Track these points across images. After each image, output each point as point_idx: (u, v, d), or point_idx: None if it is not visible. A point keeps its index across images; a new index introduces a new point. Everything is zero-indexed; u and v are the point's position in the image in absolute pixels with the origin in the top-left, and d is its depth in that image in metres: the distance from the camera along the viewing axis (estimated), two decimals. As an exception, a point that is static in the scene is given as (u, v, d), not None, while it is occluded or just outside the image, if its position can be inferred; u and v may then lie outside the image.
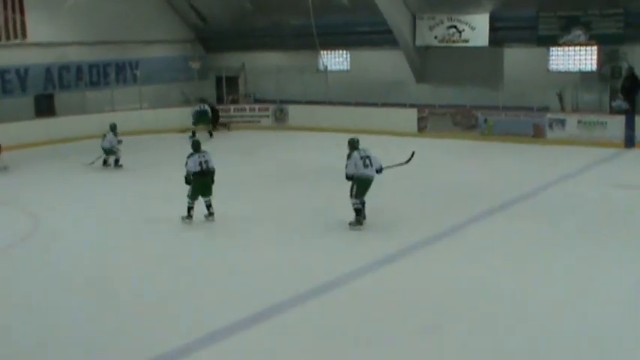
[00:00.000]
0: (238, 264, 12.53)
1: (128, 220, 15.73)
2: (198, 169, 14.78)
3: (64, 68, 29.49)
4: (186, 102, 31.49)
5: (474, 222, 14.86)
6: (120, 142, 21.65)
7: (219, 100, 32.01)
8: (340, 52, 31.12)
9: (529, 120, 24.72)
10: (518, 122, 24.88)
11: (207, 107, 27.95)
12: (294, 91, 29.59)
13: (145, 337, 9.61)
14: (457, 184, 18.49)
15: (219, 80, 32.67)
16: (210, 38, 34.46)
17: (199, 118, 27.56)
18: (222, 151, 24.32)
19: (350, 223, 14.43)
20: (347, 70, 30.91)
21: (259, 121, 29.50)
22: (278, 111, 29.35)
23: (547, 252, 12.77)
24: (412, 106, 26.84)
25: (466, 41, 26.47)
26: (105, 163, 21.75)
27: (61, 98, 28.87)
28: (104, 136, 21.68)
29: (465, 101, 25.91)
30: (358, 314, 10.18)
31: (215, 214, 15.14)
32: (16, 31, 27.37)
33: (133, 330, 9.87)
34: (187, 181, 14.94)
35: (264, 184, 19.05)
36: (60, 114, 27.94)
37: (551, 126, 24.32)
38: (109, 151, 21.58)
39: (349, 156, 14.54)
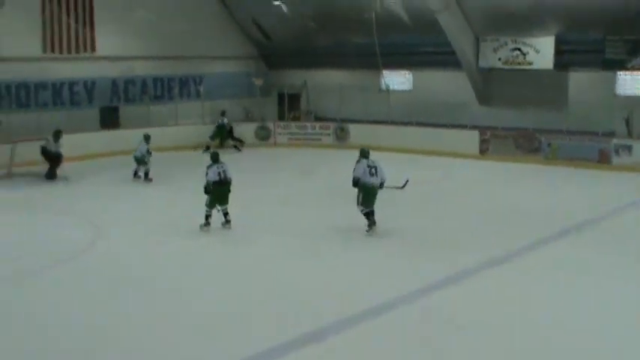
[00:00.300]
0: (291, 282, 12.49)
1: (180, 234, 15.82)
2: (217, 178, 15.51)
3: (129, 82, 30.06)
4: (248, 118, 31.74)
5: (535, 247, 14.61)
6: (150, 153, 21.76)
7: (281, 117, 32.17)
8: (403, 71, 31.01)
9: (594, 145, 24.27)
10: (582, 147, 24.45)
11: (225, 121, 28.43)
12: (355, 110, 29.58)
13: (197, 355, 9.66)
14: (518, 207, 18.21)
15: (280, 97, 32.89)
16: (273, 55, 34.72)
17: (217, 131, 28.26)
18: (283, 168, 24.58)
19: (367, 231, 15.17)
20: (409, 90, 30.79)
21: (320, 139, 29.54)
22: (339, 129, 29.35)
23: (611, 280, 12.47)
24: (474, 127, 26.59)
25: (530, 64, 26.15)
26: (135, 174, 21.94)
27: (125, 111, 29.37)
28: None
29: (528, 124, 25.56)
30: (419, 337, 10.08)
31: (244, 224, 15.25)
32: (86, 44, 28.05)
33: (195, 343, 9.93)
34: (207, 191, 15.59)
35: (319, 202, 19.03)
36: (124, 126, 28.38)
37: (617, 152, 23.83)
38: (139, 161, 21.79)
39: (358, 161, 15.39)
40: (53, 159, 22.16)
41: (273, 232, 15.85)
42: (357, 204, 15.32)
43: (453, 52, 27.11)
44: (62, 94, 27.95)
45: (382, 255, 14.17)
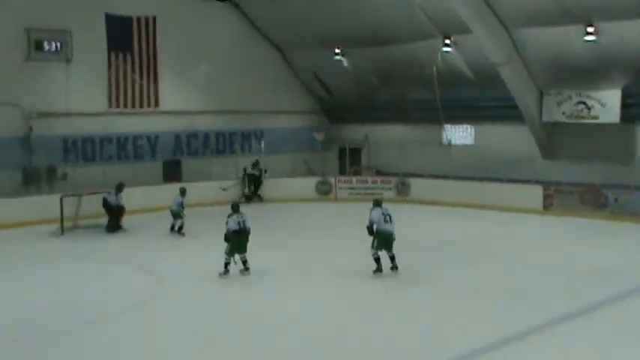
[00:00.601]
0: (362, 337, 12.33)
1: (235, 283, 15.83)
2: (236, 227, 16.08)
3: (192, 136, 30.53)
4: (309, 173, 31.82)
5: (602, 306, 14.13)
6: (183, 207, 21.77)
7: (342, 171, 32.16)
8: (464, 126, 30.82)
9: (663, 200, 23.61)
10: (650, 202, 23.80)
11: (254, 171, 28.79)
12: (416, 165, 29.40)
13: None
14: (584, 264, 17.69)
15: (342, 152, 32.92)
16: (335, 110, 34.93)
17: (250, 179, 28.85)
18: (342, 221, 24.45)
19: (374, 271, 16.24)
20: (471, 145, 30.53)
21: (381, 194, 29.25)
22: (400, 184, 29.16)
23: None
24: (538, 182, 26.10)
25: (596, 118, 25.69)
26: (172, 228, 21.92)
27: (187, 164, 29.75)
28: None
29: (594, 179, 24.96)
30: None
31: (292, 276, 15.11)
32: (150, 99, 28.66)
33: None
34: (226, 239, 16.16)
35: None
36: (186, 179, 28.66)
37: (687, 208, 23.13)
38: (175, 214, 21.84)
39: (373, 209, 16.47)
40: (114, 211, 22.44)
41: (335, 284, 15.65)
42: (372, 247, 16.31)
43: (516, 106, 26.83)
44: (126, 148, 28.54)
45: (445, 309, 13.87)
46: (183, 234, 21.67)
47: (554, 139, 27.39)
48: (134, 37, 28.12)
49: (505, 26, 24.89)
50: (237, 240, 16.10)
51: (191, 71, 29.72)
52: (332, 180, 29.85)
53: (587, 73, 25.10)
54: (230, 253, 16.11)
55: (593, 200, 24.81)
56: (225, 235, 16.14)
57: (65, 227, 22.05)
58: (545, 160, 27.50)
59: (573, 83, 25.84)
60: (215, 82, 30.29)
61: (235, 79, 30.79)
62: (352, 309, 14.07)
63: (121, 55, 27.82)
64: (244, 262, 16.30)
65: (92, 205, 22.77)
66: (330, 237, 21.76)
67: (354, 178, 30.34)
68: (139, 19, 28.23)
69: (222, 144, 31.62)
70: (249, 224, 16.33)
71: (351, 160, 32.40)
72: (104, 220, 22.49)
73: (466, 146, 30.43)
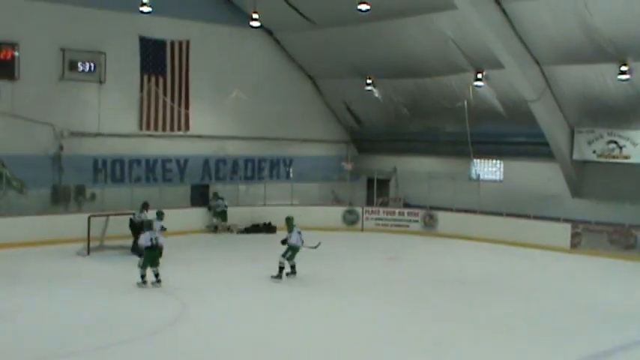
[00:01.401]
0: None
1: (260, 314, 15.75)
2: (149, 244, 17.61)
3: (220, 161, 30.67)
4: (337, 202, 31.78)
5: (629, 349, 13.86)
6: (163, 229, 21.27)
7: (369, 202, 32.06)
8: (493, 161, 30.67)
9: (694, 243, 23.26)
10: (681, 244, 23.45)
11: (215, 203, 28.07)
12: (444, 198, 29.17)
13: None
14: (610, 304, 17.42)
15: (370, 182, 32.84)
16: (364, 140, 34.96)
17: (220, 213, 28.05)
18: (368, 252, 24.38)
19: (272, 276, 18.87)
20: (500, 180, 30.37)
21: (408, 226, 29.19)
22: (427, 217, 28.99)
23: None
24: (566, 220, 25.80)
25: (627, 157, 25.44)
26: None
27: (215, 189, 29.80)
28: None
29: (624, 219, 24.62)
30: None
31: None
32: (180, 123, 28.87)
33: None
34: (139, 254, 18.03)
35: (404, 290, 18.66)
36: (214, 204, 28.70)
37: None
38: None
39: (291, 230, 19.28)
40: (139, 231, 22.45)
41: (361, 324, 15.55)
42: (283, 256, 19.02)
43: (546, 143, 26.66)
44: (155, 171, 28.72)
45: (470, 345, 13.67)
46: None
47: (584, 178, 27.15)
48: (167, 61, 28.44)
49: (538, 62, 24.80)
50: (149, 255, 17.56)
51: (222, 96, 29.90)
52: (359, 210, 29.75)
53: (620, 111, 24.92)
54: (144, 266, 17.59)
55: (621, 240, 24.48)
56: (138, 250, 18.03)
57: (92, 247, 22.17)
58: (575, 198, 27.24)
59: (605, 122, 25.65)
60: (246, 108, 30.45)
61: (266, 106, 30.95)
62: (379, 339, 13.92)
63: (153, 78, 28.11)
64: (156, 275, 17.66)
65: (119, 225, 22.91)
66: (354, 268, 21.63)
67: (381, 209, 30.20)
68: (172, 43, 28.56)
69: (250, 170, 31.71)
70: (162, 241, 17.88)
71: (378, 190, 32.30)
72: (130, 241, 22.54)
73: (495, 181, 30.28)
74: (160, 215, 21.78)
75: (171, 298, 16.89)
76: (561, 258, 24.19)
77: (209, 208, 27.68)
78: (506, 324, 15.34)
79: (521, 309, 16.84)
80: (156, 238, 17.76)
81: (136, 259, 21.03)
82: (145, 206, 22.90)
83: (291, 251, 19.13)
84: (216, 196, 27.95)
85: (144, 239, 17.73)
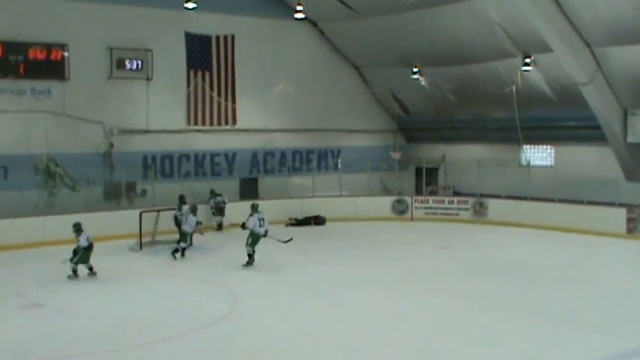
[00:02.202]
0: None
1: (313, 305, 15.76)
2: (87, 244, 18.35)
3: (268, 154, 30.76)
4: (386, 192, 31.65)
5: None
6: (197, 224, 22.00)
7: (418, 191, 31.84)
8: (544, 146, 30.26)
9: None
10: None
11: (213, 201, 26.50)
12: (494, 185, 28.90)
13: None
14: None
15: (418, 171, 32.64)
16: (412, 129, 34.76)
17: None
18: (418, 241, 24.27)
19: (243, 265, 19.54)
20: (550, 166, 29.95)
21: (458, 214, 28.93)
22: (477, 204, 28.71)
23: None
24: (621, 205, 25.33)
25: (684, 139, 24.92)
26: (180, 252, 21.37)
27: (264, 182, 29.94)
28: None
29: (681, 202, 24.18)
30: None
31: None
32: (227, 117, 29.03)
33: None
34: (75, 252, 18.40)
35: (455, 280, 18.51)
36: (263, 197, 28.84)
37: None
38: (185, 236, 21.47)
39: (251, 215, 19.92)
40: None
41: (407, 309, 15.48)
42: (246, 245, 19.66)
43: (598, 127, 26.16)
44: (204, 165, 28.91)
45: (529, 334, 13.48)
46: (175, 258, 21.02)
47: (638, 161, 26.60)
48: (213, 56, 28.60)
49: (588, 44, 24.33)
50: (84, 254, 18.25)
51: (268, 89, 29.98)
52: (408, 199, 29.59)
53: (675, 92, 24.38)
54: (77, 263, 18.18)
55: (679, 224, 24.00)
56: (75, 250, 18.33)
57: (144, 242, 22.39)
58: (630, 182, 26.69)
59: (660, 103, 25.12)
60: (292, 100, 30.48)
61: (312, 98, 30.89)
62: (436, 329, 13.84)
63: (199, 74, 28.30)
64: (90, 269, 18.38)
65: (170, 221, 23.14)
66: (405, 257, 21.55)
67: (430, 198, 29.99)
68: (217, 38, 28.70)
69: (299, 162, 31.75)
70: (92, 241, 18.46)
71: (427, 179, 32.08)
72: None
73: (546, 167, 29.88)
74: (194, 209, 22.05)
75: (223, 291, 16.96)
76: (617, 244, 23.75)
77: (211, 207, 26.36)
78: (560, 313, 15.08)
79: (575, 297, 16.57)
80: (87, 238, 18.42)
81: (188, 254, 21.27)
82: (182, 199, 23.33)
83: (251, 238, 19.66)
84: (213, 193, 26.47)
85: (83, 240, 18.41)
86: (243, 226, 20.01)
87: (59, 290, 17.15)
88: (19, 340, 13.15)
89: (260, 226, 19.74)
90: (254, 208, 20.23)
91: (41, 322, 14.46)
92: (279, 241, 20.42)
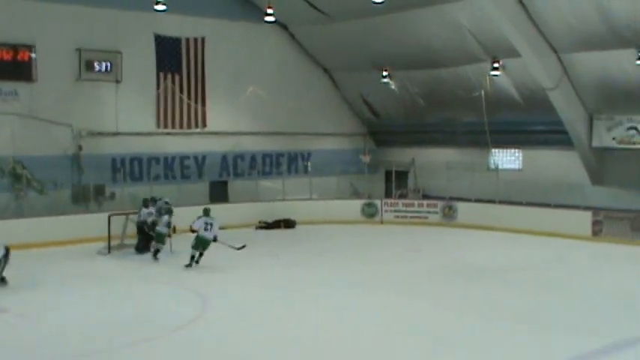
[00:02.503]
0: None
1: (283, 308, 15.76)
2: (4, 252, 17.32)
3: (238, 157, 30.73)
4: (356, 195, 31.73)
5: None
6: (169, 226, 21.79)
7: (388, 194, 31.99)
8: (512, 150, 30.55)
9: None
10: None
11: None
12: (463, 189, 29.08)
13: None
14: (632, 293, 17.26)
15: (388, 174, 32.78)
16: (382, 132, 34.89)
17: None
18: (388, 244, 24.36)
19: (185, 265, 19.80)
20: (519, 169, 30.24)
21: (427, 217, 29.09)
22: (447, 208, 28.89)
23: None
24: (587, 208, 25.61)
25: (647, 143, 25.28)
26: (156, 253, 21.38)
27: (234, 185, 29.90)
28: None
29: (646, 205, 24.50)
30: None
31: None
32: (197, 120, 28.96)
33: None
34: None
35: (425, 282, 18.61)
36: (232, 201, 28.83)
37: None
38: (161, 237, 21.38)
39: (198, 218, 20.08)
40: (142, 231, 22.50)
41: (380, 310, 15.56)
42: (192, 246, 19.81)
43: (565, 131, 26.49)
44: (173, 168, 28.81)
45: (499, 334, 13.66)
46: (157, 259, 21.17)
47: (603, 165, 26.97)
48: (183, 58, 28.50)
49: (554, 50, 24.63)
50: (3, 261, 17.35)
51: (239, 92, 29.96)
52: (378, 203, 29.70)
53: (639, 97, 24.69)
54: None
55: (643, 227, 24.32)
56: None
57: (112, 246, 22.25)
58: (595, 185, 27.04)
59: (624, 108, 25.43)
60: (262, 104, 30.50)
61: (282, 101, 30.94)
62: (404, 331, 13.85)
63: (169, 76, 28.20)
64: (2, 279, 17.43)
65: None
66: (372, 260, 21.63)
67: (400, 201, 30.13)
68: (187, 40, 28.61)
69: (269, 165, 31.76)
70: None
71: (397, 182, 32.25)
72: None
73: (514, 170, 30.16)
74: (169, 211, 22.14)
75: (191, 294, 16.91)
76: (583, 246, 24.02)
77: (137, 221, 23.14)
78: (527, 315, 15.22)
79: (543, 299, 16.73)
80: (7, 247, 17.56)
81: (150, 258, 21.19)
82: (145, 203, 22.85)
83: (195, 240, 19.81)
84: (153, 200, 23.60)
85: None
86: (192, 229, 20.00)
87: (24, 295, 16.95)
88: (-17, 346, 13.02)
89: (206, 229, 19.78)
90: (205, 212, 20.32)
91: (6, 327, 14.28)
92: (231, 247, 20.35)
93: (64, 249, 22.46)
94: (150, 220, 21.98)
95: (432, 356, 12.56)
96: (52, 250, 22.23)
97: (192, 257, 19.79)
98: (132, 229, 22.91)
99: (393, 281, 18.42)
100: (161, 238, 21.30)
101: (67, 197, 25.84)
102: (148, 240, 22.01)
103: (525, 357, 12.47)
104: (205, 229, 19.79)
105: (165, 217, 21.63)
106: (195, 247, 19.83)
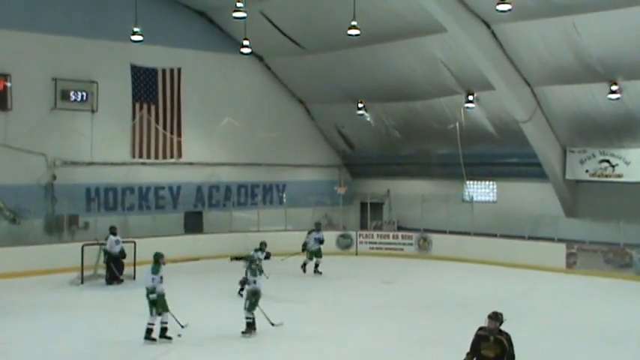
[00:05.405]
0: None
1: (255, 341, 15.64)
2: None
3: (213, 187, 30.66)
4: (330, 226, 31.70)
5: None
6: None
7: (363, 225, 32.00)
8: (487, 182, 30.76)
9: (689, 261, 23.24)
10: (677, 263, 23.43)
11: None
12: (438, 220, 29.17)
13: None
14: (607, 324, 17.37)
15: (363, 206, 32.84)
16: (357, 164, 34.98)
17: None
18: (362, 276, 24.31)
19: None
20: (493, 201, 30.43)
21: (402, 249, 29.12)
22: (421, 239, 28.95)
23: None
24: (561, 241, 25.82)
25: (620, 176, 25.52)
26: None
27: (209, 216, 29.77)
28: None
29: (619, 238, 24.62)
30: None
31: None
32: (173, 150, 28.93)
33: None
34: None
35: (397, 313, 18.59)
36: (207, 231, 28.70)
37: None
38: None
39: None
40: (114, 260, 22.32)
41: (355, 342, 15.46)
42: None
43: (539, 163, 26.74)
44: (148, 198, 28.67)
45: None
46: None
47: (577, 197, 27.22)
48: (159, 89, 28.56)
49: (528, 83, 24.93)
50: None
51: (214, 123, 29.92)
52: (353, 234, 29.70)
53: (611, 131, 25.04)
54: None
55: (617, 260, 24.52)
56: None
57: (85, 276, 22.05)
58: (569, 218, 27.26)
59: (597, 141, 25.75)
60: (238, 134, 30.47)
61: (258, 132, 30.93)
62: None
63: (145, 106, 28.20)
64: None
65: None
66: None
67: (375, 233, 30.17)
68: (164, 71, 28.66)
69: (244, 196, 31.70)
70: None
71: (372, 214, 32.30)
72: (130, 270, 22.42)
73: (488, 203, 30.33)
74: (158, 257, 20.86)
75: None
76: (557, 278, 24.16)
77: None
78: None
79: (517, 331, 16.71)
80: None
81: (132, 288, 20.96)
82: (113, 231, 22.51)
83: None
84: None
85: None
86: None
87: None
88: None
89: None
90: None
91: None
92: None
93: (37, 279, 22.22)
94: (116, 249, 21.87)
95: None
96: (24, 280, 22.01)
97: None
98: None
99: (367, 313, 18.44)
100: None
101: (40, 227, 25.57)
102: (116, 269, 21.90)
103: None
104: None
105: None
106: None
